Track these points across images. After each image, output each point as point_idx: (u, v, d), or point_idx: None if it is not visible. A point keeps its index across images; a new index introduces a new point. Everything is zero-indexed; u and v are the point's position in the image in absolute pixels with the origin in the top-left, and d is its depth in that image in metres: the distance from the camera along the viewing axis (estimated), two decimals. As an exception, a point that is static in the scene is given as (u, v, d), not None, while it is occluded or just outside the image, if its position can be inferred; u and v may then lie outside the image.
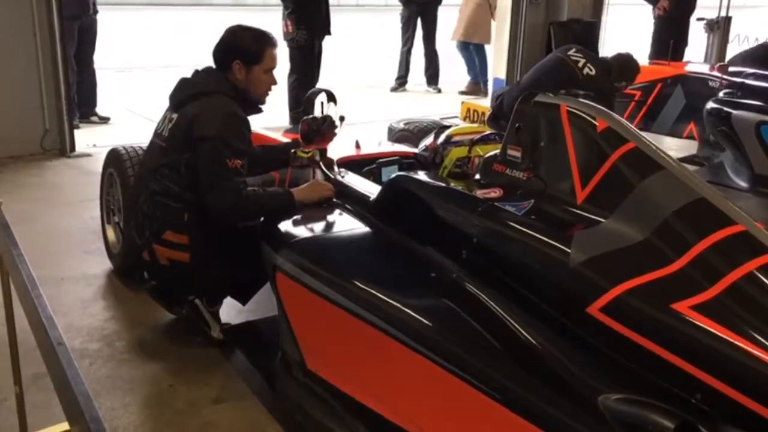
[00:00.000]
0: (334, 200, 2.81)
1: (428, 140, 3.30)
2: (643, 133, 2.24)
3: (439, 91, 8.59)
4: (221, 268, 2.75)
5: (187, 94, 2.75)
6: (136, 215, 2.86)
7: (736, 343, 1.63)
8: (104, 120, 6.48)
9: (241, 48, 2.77)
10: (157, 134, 2.83)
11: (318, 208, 2.73)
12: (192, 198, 2.68)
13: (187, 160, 2.67)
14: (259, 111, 2.90)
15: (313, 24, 5.88)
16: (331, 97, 3.14)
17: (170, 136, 2.72)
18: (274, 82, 2.86)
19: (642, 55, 7.13)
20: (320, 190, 2.80)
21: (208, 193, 2.63)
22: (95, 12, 6.23)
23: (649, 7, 7.51)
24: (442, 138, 3.08)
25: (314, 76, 6.12)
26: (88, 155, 5.41)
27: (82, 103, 6.30)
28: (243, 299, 2.96)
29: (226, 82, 2.77)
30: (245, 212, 2.69)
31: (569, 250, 1.95)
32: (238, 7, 15.21)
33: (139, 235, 2.80)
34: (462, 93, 8.42)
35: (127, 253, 3.27)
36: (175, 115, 2.74)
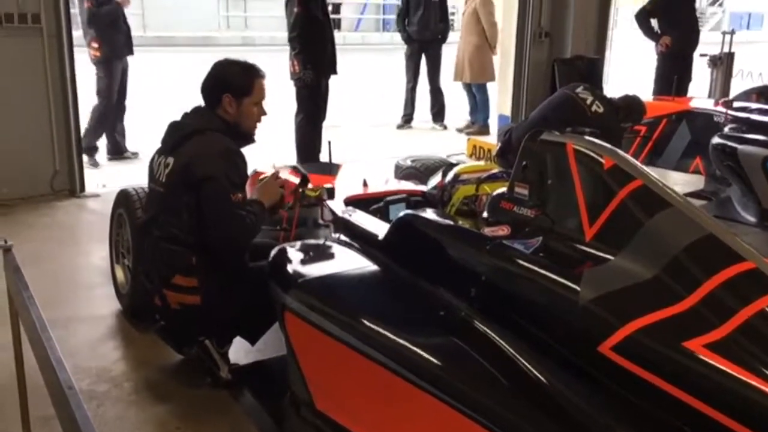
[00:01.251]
0: (342, 238, 2.82)
1: (436, 178, 3.32)
2: (649, 169, 2.25)
3: (445, 127, 8.64)
4: (231, 308, 2.75)
5: (180, 136, 2.77)
6: (143, 262, 2.87)
7: (750, 381, 1.61)
8: (134, 155, 6.70)
9: (231, 81, 2.80)
10: (154, 180, 2.84)
11: (326, 246, 2.74)
12: (197, 240, 2.69)
13: (188, 203, 2.68)
14: (251, 142, 2.92)
15: (319, 64, 5.96)
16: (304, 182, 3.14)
17: (168, 181, 2.74)
18: (264, 113, 2.89)
19: (646, 91, 7.20)
20: (270, 191, 2.87)
21: (215, 229, 2.64)
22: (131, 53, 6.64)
23: (652, 43, 7.58)
24: (449, 176, 3.10)
25: (321, 115, 6.18)
26: (97, 195, 5.45)
27: (119, 141, 6.64)
28: (252, 339, 2.95)
29: (216, 118, 2.80)
30: (248, 239, 2.76)
31: (579, 288, 1.95)
32: (246, 47, 15.41)
33: (149, 281, 2.81)
34: (459, 131, 8.46)
35: (138, 299, 3.27)
36: (170, 159, 2.75)
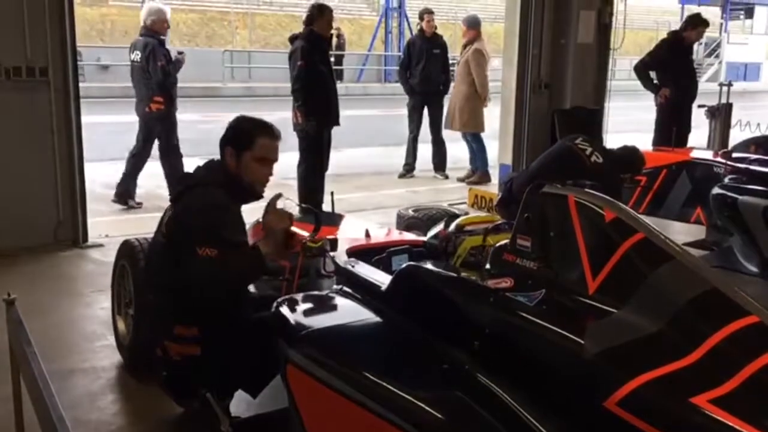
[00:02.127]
0: (344, 289, 2.81)
1: (438, 228, 3.33)
2: (650, 220, 2.26)
3: (447, 177, 8.70)
4: (232, 359, 2.73)
5: (183, 187, 2.80)
6: (145, 311, 2.87)
7: (757, 437, 1.59)
8: (139, 205, 6.88)
9: (234, 134, 2.82)
10: (159, 229, 2.85)
11: (329, 297, 2.73)
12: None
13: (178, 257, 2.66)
14: (257, 199, 2.88)
15: (322, 115, 6.04)
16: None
17: (166, 231, 2.76)
18: (270, 173, 2.85)
19: (645, 141, 7.27)
20: (277, 225, 2.68)
21: (183, 281, 2.59)
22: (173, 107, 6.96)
23: (651, 95, 7.68)
24: (452, 227, 3.10)
25: (324, 164, 6.23)
26: (101, 245, 5.47)
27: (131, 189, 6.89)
28: (254, 392, 2.92)
29: (221, 172, 2.80)
30: (216, 298, 2.63)
31: (583, 342, 1.94)
32: (249, 98, 15.62)
33: (151, 332, 2.80)
34: (460, 180, 8.52)
35: (139, 350, 3.26)
36: (171, 210, 2.78)
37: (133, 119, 6.93)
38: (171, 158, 6.81)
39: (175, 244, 2.69)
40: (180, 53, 6.99)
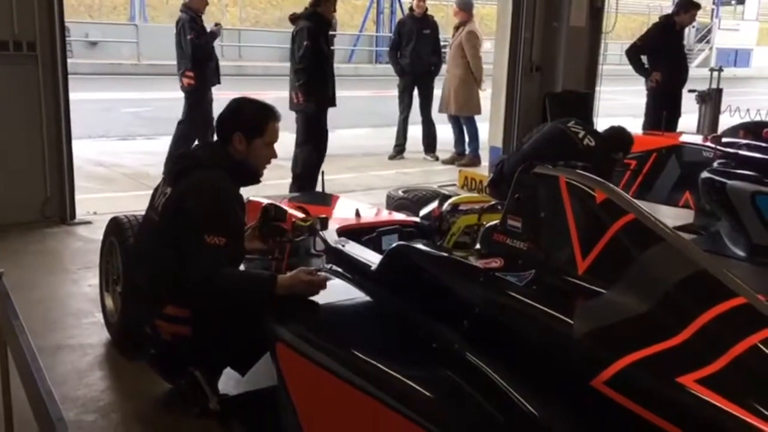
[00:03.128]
0: (335, 268, 2.81)
1: (431, 207, 3.32)
2: (639, 202, 2.27)
3: (437, 159, 8.70)
4: (222, 339, 2.72)
5: (182, 168, 2.75)
6: (135, 291, 2.85)
7: (743, 417, 1.61)
8: None
9: (243, 120, 2.76)
10: (152, 208, 2.81)
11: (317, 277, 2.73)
12: None
13: (179, 236, 2.63)
14: (256, 182, 2.88)
15: (322, 96, 6.05)
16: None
17: (163, 211, 2.71)
18: (275, 156, 2.85)
19: (635, 125, 7.28)
20: (307, 288, 2.58)
21: (185, 267, 2.57)
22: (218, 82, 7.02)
23: (642, 80, 7.69)
24: (446, 206, 3.09)
25: (322, 145, 6.24)
26: (88, 223, 5.43)
27: None
28: (242, 370, 2.92)
29: (224, 155, 2.75)
30: (219, 290, 2.56)
31: (572, 321, 1.95)
32: (239, 77, 15.51)
33: (141, 311, 2.79)
34: (444, 162, 8.51)
35: (128, 328, 3.24)
36: (168, 189, 2.72)
37: (120, 97, 6.88)
38: (203, 134, 6.66)
39: (173, 226, 2.65)
40: (216, 25, 7.04)
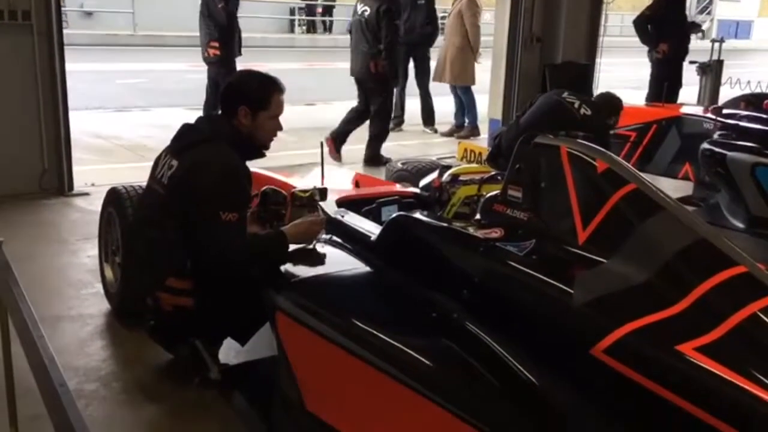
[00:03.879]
0: (335, 238, 2.81)
1: (432, 177, 3.31)
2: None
3: (436, 131, 8.65)
4: (223, 310, 2.73)
5: (189, 141, 2.72)
6: (136, 261, 2.84)
7: (742, 385, 1.62)
8: None
9: (248, 94, 2.73)
10: (155, 179, 2.79)
11: (318, 248, 2.73)
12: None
13: (184, 209, 2.63)
14: (262, 156, 2.87)
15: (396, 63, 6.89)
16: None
17: (169, 183, 2.69)
18: (280, 128, 2.82)
19: (637, 97, 7.25)
20: (310, 227, 2.75)
21: (201, 247, 2.59)
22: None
23: (644, 49, 7.64)
24: (447, 176, 3.08)
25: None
26: (86, 194, 5.42)
27: None
28: (242, 340, 2.94)
29: (229, 128, 2.73)
30: (236, 262, 2.63)
31: (571, 291, 1.95)
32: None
33: (142, 282, 2.79)
34: (443, 135, 8.46)
35: (127, 298, 3.24)
36: (175, 162, 2.69)
37: (116, 68, 6.82)
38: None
39: (180, 198, 2.63)
40: None
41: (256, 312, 2.61)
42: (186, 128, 2.81)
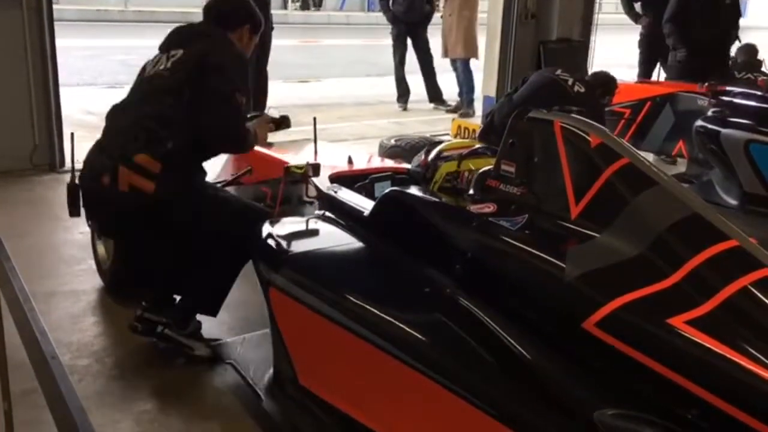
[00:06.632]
0: (327, 214, 2.80)
1: (421, 157, 3.30)
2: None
3: (449, 106, 8.55)
4: (178, 218, 2.71)
5: (193, 34, 2.87)
6: (110, 136, 2.81)
7: (732, 358, 1.63)
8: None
9: (254, 16, 2.99)
10: (156, 73, 2.78)
11: (311, 223, 2.72)
12: (182, 131, 2.67)
13: (190, 86, 2.68)
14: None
15: None
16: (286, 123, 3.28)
17: (173, 68, 2.74)
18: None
19: (631, 75, 7.22)
20: (260, 129, 3.00)
21: (209, 114, 2.68)
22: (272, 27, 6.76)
23: (637, 30, 7.59)
24: (433, 154, 3.08)
25: None
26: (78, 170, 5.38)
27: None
28: (211, 310, 2.91)
29: (231, 42, 2.89)
30: (231, 137, 2.81)
31: (564, 265, 1.95)
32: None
33: (109, 156, 2.71)
34: (449, 112, 8.42)
35: (83, 180, 2.97)
36: (178, 51, 2.77)
37: (107, 44, 6.74)
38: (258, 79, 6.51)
39: (188, 75, 2.70)
40: None
41: (221, 275, 2.76)
42: (183, 27, 2.92)
